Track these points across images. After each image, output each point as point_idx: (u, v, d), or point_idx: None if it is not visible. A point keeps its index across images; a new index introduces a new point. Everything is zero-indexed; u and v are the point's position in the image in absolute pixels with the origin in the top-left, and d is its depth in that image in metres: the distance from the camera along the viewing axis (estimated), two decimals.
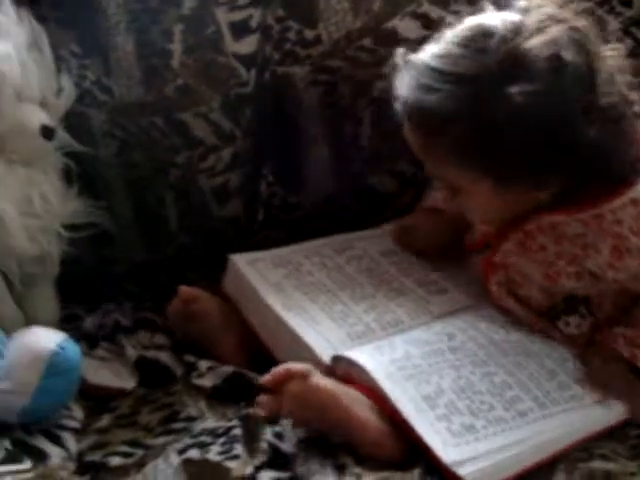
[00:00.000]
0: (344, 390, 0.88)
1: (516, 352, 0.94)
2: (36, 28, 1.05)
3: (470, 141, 0.89)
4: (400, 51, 0.97)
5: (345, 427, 0.86)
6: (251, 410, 0.91)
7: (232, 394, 0.97)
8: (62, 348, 0.90)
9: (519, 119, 0.86)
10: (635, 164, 0.93)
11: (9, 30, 1.01)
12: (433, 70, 0.91)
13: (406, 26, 1.19)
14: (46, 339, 0.90)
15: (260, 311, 1.03)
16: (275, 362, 0.95)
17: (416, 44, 1.15)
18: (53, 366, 0.88)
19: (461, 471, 0.80)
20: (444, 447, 0.82)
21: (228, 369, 1.00)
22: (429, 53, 0.93)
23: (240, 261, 1.08)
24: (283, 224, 1.22)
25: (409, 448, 0.85)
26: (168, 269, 1.20)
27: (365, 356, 0.91)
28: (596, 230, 0.92)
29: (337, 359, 0.93)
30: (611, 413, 0.91)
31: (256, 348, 1.04)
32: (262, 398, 0.90)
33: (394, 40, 1.18)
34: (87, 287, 1.15)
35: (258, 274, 1.06)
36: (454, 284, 1.07)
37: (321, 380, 0.88)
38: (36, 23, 1.05)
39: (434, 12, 1.19)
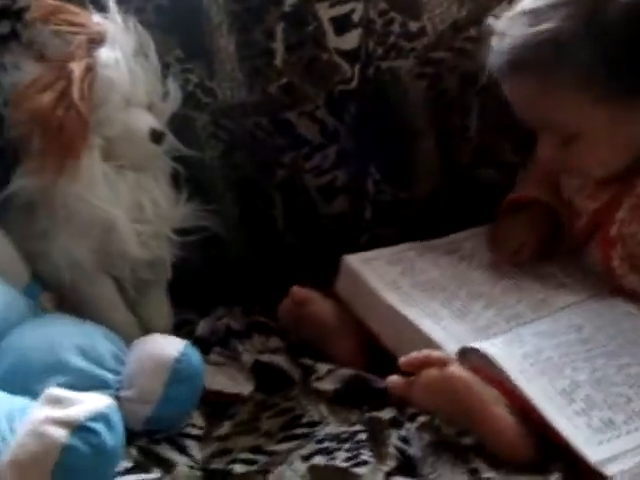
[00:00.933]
0: (482, 385, 0.85)
1: None
2: (142, 34, 1.05)
3: (592, 60, 0.88)
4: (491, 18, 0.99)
5: (479, 423, 0.84)
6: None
7: (354, 397, 0.95)
8: (184, 355, 0.89)
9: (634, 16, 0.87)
10: None
11: (116, 37, 1.01)
12: (538, 8, 0.91)
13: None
14: (168, 346, 0.90)
15: (379, 311, 1.01)
16: (396, 363, 0.92)
17: None
18: (176, 374, 0.88)
19: (608, 470, 0.77)
20: (587, 445, 0.79)
21: (348, 372, 0.98)
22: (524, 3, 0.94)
23: (354, 261, 1.06)
24: (391, 221, 1.20)
25: (545, 449, 0.82)
26: (277, 270, 1.19)
27: (496, 349, 0.88)
28: None
29: (465, 352, 0.90)
30: None
31: (373, 351, 1.02)
32: (394, 378, 0.88)
33: None
34: (197, 291, 1.15)
35: (374, 273, 1.04)
36: (571, 277, 1.04)
37: (459, 370, 0.86)
38: (142, 29, 1.05)
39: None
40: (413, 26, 1.14)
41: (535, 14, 0.92)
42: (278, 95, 1.14)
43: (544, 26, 0.90)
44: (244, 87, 1.14)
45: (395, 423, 0.90)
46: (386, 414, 0.92)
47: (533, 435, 0.83)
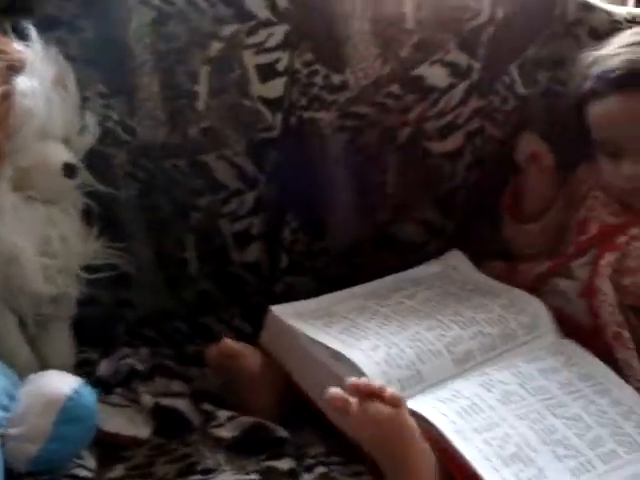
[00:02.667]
0: (421, 442, 0.84)
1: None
2: (63, 65, 1.04)
3: None
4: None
5: (399, 476, 0.83)
6: None
7: (253, 446, 0.93)
8: (77, 393, 0.86)
9: None
10: None
11: (36, 66, 0.99)
12: None
13: (434, 73, 1.17)
14: (61, 383, 0.87)
15: (306, 362, 0.98)
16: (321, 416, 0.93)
17: (443, 93, 1.17)
18: (67, 412, 0.85)
19: None
20: None
21: (249, 419, 0.96)
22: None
23: (282, 313, 1.03)
24: (306, 271, 1.19)
25: None
26: (187, 315, 1.17)
27: (429, 407, 0.88)
28: None
29: None
30: None
31: (293, 404, 1.00)
32: (336, 390, 0.85)
33: (421, 87, 1.17)
34: (103, 331, 1.13)
35: (303, 323, 1.01)
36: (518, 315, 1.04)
37: (410, 419, 0.85)
38: (63, 60, 1.04)
39: (462, 60, 1.18)
40: (336, 79, 1.15)
41: None
42: (198, 138, 1.13)
43: None
44: (165, 127, 1.13)
45: (292, 474, 0.89)
46: (284, 464, 0.91)
47: None
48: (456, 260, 1.15)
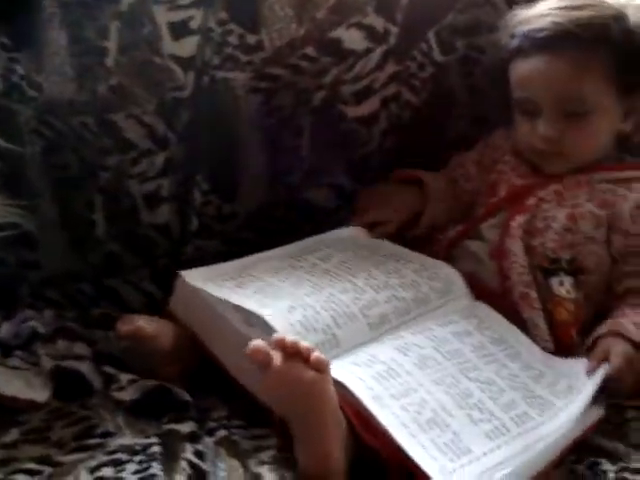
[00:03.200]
0: (337, 410, 0.82)
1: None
2: None
3: (615, 49, 1.04)
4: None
5: (309, 442, 0.81)
6: None
7: (155, 409, 0.92)
8: None
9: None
10: None
11: None
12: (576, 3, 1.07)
13: (351, 37, 1.16)
14: None
15: (217, 326, 0.95)
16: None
17: (359, 57, 1.15)
18: None
19: None
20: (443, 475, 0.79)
21: (152, 382, 0.94)
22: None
23: (192, 277, 0.99)
24: (217, 234, 1.17)
25: None
26: (93, 277, 1.14)
27: (345, 372, 0.86)
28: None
29: None
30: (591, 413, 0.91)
31: (200, 369, 0.98)
32: (260, 343, 0.81)
33: (337, 50, 1.16)
34: (5, 292, 1.09)
35: (214, 285, 0.97)
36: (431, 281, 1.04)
37: (331, 387, 0.82)
38: None
39: (379, 24, 1.17)
40: (251, 39, 1.13)
41: (576, 7, 1.06)
42: (107, 95, 1.10)
43: (592, 13, 1.05)
44: (73, 84, 1.09)
45: (193, 437, 0.88)
46: (185, 427, 0.89)
47: None
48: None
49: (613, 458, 0.87)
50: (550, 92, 1.06)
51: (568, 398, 0.92)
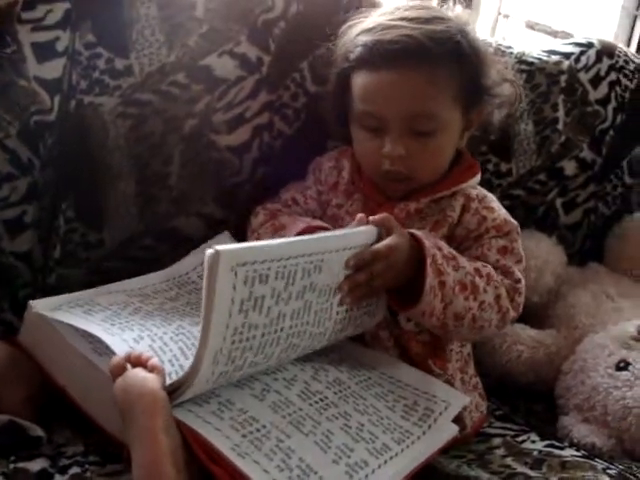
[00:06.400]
0: (168, 418, 0.80)
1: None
2: None
3: (460, 66, 1.03)
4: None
5: (139, 449, 0.79)
6: None
7: (5, 446, 0.87)
8: None
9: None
10: None
11: None
12: (420, 16, 1.04)
13: (223, 64, 1.15)
14: None
15: (65, 358, 0.93)
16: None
17: (232, 85, 1.15)
18: None
19: None
20: None
21: (2, 418, 0.89)
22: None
23: (41, 306, 0.96)
24: (82, 262, 1.14)
25: None
26: None
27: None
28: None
29: None
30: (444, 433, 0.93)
31: (45, 401, 0.95)
32: (117, 358, 0.85)
33: (209, 78, 1.15)
34: None
35: (63, 312, 0.95)
36: None
37: (160, 390, 0.81)
38: None
39: (252, 53, 1.17)
40: (119, 63, 1.11)
41: (425, 20, 1.03)
42: None
43: (441, 27, 1.02)
44: None
45: (43, 475, 0.84)
46: (35, 465, 0.86)
47: None
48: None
49: None
50: (400, 109, 1.02)
51: (426, 424, 0.92)
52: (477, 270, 1.00)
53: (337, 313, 0.95)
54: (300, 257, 0.86)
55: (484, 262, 1.03)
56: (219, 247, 0.78)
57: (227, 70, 1.16)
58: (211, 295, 0.79)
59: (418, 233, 0.98)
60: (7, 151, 1.08)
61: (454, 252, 1.01)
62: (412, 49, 1.01)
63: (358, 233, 0.95)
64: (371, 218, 0.96)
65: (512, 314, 1.03)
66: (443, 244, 1.01)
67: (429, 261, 0.95)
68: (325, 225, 1.07)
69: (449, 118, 1.04)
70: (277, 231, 1.08)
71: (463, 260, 1.00)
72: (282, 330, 0.88)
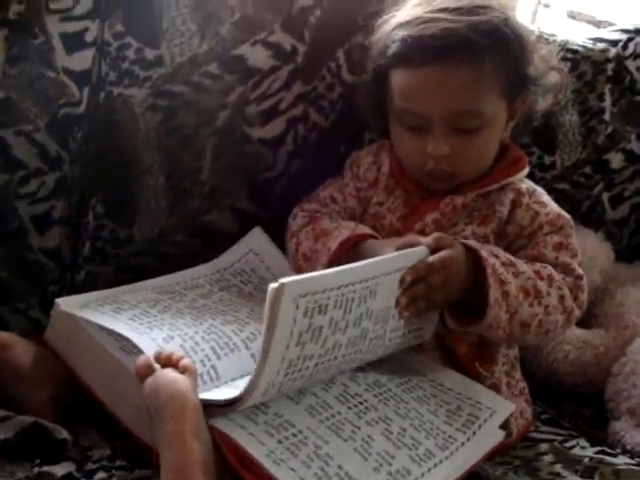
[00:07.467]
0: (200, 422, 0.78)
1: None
2: None
3: (504, 58, 0.98)
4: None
5: (167, 446, 0.76)
6: None
7: (29, 449, 0.84)
8: None
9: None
10: None
11: None
12: (463, 6, 0.98)
13: (256, 54, 1.11)
14: None
15: (96, 355, 0.90)
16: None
17: (265, 75, 1.11)
18: None
19: None
20: None
21: (27, 419, 0.87)
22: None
23: (68, 304, 0.94)
24: (111, 259, 1.11)
25: None
26: None
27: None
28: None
29: None
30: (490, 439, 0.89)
31: (71, 401, 0.92)
32: (144, 357, 0.83)
33: (242, 68, 1.11)
34: None
35: (90, 311, 0.93)
36: None
37: (192, 391, 0.79)
38: None
39: (287, 42, 1.13)
40: (150, 54, 1.07)
41: (467, 10, 0.97)
42: None
43: (484, 17, 0.96)
44: None
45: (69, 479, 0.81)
46: (60, 469, 0.83)
47: None
48: (258, 242, 1.10)
49: None
50: (444, 108, 0.97)
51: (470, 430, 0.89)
52: (538, 273, 0.96)
53: (389, 340, 0.91)
54: (357, 283, 0.83)
55: (542, 261, 0.98)
56: (283, 280, 0.75)
57: (261, 60, 1.12)
58: (272, 328, 0.76)
59: (471, 243, 0.94)
60: (36, 145, 1.05)
61: (511, 257, 0.96)
62: (455, 44, 0.95)
63: (411, 253, 0.91)
64: (423, 240, 0.92)
65: (577, 313, 0.99)
66: (499, 250, 0.97)
67: (489, 271, 0.91)
68: (369, 232, 1.02)
69: (494, 113, 1.00)
70: (318, 238, 1.03)
71: (521, 264, 0.96)
72: (335, 359, 0.85)
